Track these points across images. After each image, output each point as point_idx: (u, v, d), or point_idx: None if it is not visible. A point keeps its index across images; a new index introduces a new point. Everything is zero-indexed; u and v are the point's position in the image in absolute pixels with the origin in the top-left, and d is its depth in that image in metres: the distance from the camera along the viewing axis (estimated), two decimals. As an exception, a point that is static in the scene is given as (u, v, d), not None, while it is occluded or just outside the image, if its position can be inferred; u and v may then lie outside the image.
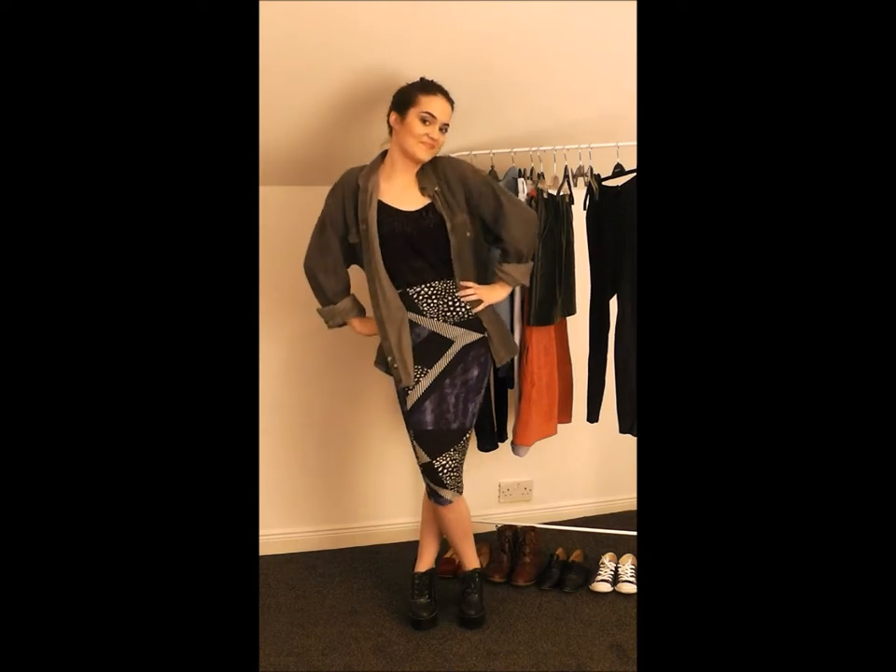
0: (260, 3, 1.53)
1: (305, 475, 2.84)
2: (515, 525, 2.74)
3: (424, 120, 2.02)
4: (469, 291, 2.14)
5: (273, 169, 2.42)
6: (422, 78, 2.07)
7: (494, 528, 2.84)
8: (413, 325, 2.16)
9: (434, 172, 2.12)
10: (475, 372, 2.18)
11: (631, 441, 2.36)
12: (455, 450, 2.17)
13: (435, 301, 2.14)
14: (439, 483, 2.18)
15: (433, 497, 2.22)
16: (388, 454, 2.84)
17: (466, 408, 2.18)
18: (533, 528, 2.71)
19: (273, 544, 2.77)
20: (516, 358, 2.43)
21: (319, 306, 2.26)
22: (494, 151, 2.43)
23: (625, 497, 3.06)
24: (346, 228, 2.15)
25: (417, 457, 2.21)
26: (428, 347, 2.16)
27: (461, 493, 2.21)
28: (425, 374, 2.16)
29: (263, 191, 2.32)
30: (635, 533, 2.11)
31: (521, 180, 2.40)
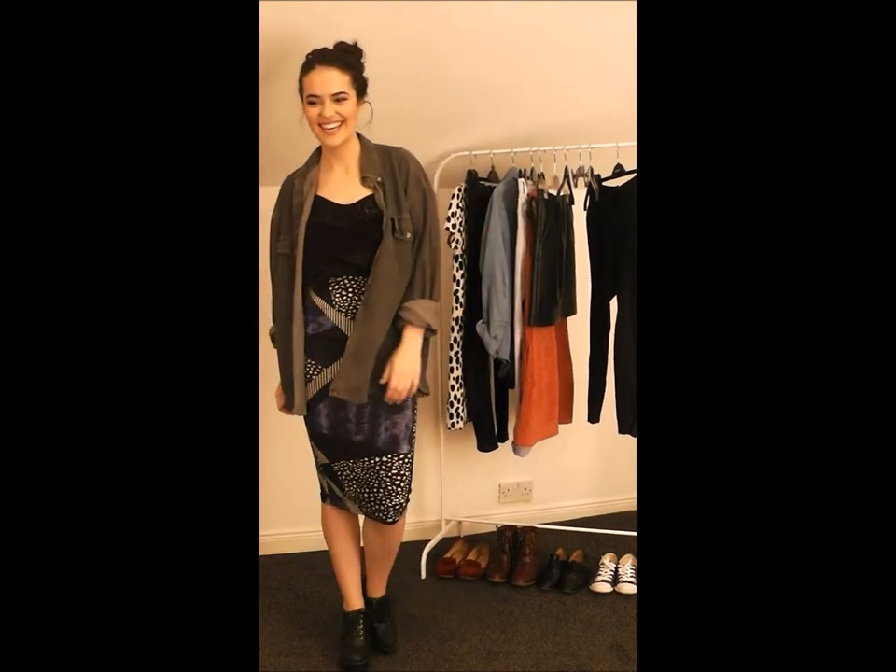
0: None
1: (305, 475, 2.83)
2: (515, 526, 2.74)
3: (312, 103, 1.81)
4: (391, 390, 1.87)
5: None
6: (308, 53, 1.84)
7: (494, 528, 2.84)
8: (318, 313, 1.91)
9: (381, 161, 1.91)
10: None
11: (631, 441, 2.36)
12: (356, 464, 1.94)
13: (350, 294, 1.90)
14: (339, 486, 1.99)
15: (330, 499, 2.03)
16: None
17: (374, 424, 1.91)
18: (533, 528, 2.71)
19: (272, 544, 2.77)
20: (517, 359, 2.43)
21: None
22: (494, 151, 2.43)
23: (625, 497, 3.06)
24: (279, 236, 1.95)
25: (316, 458, 2.02)
26: (328, 343, 1.91)
27: (366, 516, 2.00)
28: (319, 373, 1.92)
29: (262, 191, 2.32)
30: (635, 533, 2.11)
31: (521, 180, 2.40)
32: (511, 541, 2.66)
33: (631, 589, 2.43)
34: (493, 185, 2.45)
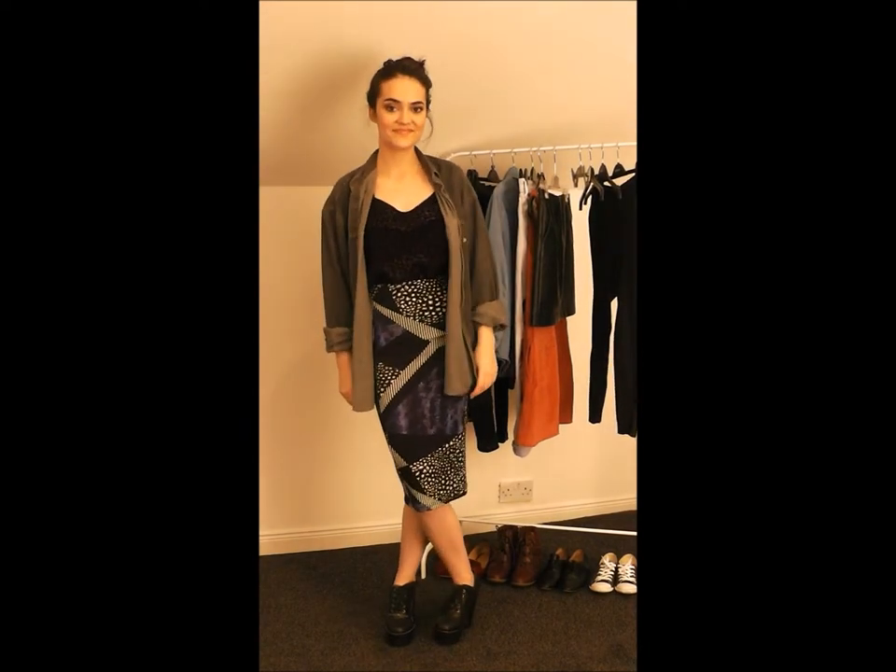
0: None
1: (306, 475, 2.84)
2: (515, 525, 2.74)
3: (389, 108, 1.96)
4: (479, 388, 2.14)
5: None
6: (386, 61, 1.99)
7: (494, 528, 2.84)
8: (386, 322, 2.09)
9: (439, 170, 2.09)
10: None
11: (631, 441, 2.36)
12: (433, 455, 2.11)
13: (414, 299, 2.07)
14: (417, 488, 2.12)
15: (411, 502, 2.17)
16: (389, 453, 2.84)
17: (444, 414, 2.11)
18: (533, 528, 2.71)
19: (273, 544, 2.77)
20: (517, 359, 2.43)
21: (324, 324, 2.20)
22: (494, 151, 2.43)
23: (625, 497, 3.06)
24: (344, 239, 2.08)
25: (395, 462, 2.15)
26: (401, 348, 2.09)
27: (445, 501, 2.15)
28: (396, 376, 2.09)
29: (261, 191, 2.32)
30: (635, 533, 2.11)
31: (521, 180, 2.39)
32: (511, 541, 2.66)
33: (631, 589, 2.43)
34: (493, 185, 2.45)
